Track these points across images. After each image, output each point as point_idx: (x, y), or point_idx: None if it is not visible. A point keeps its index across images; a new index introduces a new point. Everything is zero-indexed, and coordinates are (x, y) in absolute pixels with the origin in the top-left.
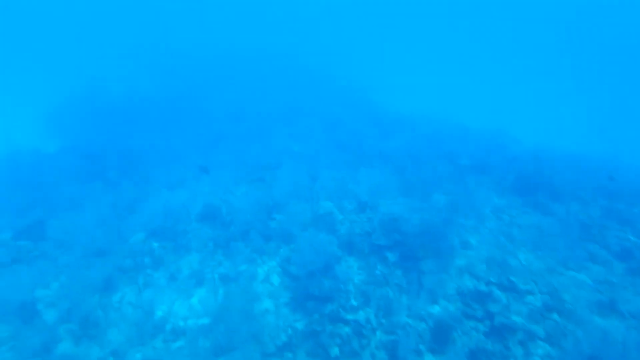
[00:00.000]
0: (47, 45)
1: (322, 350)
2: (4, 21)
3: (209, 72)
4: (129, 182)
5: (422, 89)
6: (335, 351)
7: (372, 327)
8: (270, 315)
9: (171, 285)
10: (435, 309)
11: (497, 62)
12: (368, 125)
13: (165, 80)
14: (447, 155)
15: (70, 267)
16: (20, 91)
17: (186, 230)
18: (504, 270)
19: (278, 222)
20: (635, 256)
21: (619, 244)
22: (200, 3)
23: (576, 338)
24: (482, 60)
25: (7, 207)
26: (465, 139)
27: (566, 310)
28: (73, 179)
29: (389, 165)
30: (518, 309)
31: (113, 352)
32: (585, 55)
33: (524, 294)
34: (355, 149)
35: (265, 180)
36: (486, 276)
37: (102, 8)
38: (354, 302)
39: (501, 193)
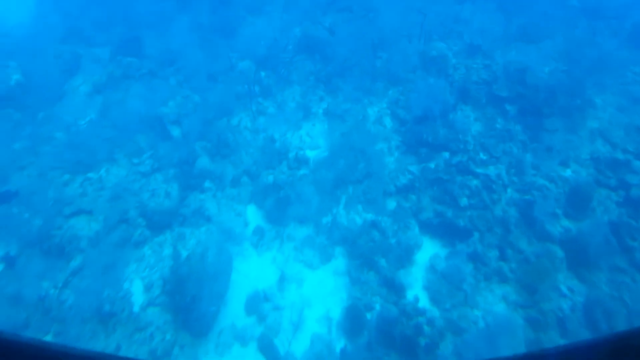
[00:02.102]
0: None
1: (450, 198)
2: None
3: None
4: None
5: None
6: (464, 201)
7: (503, 183)
8: (385, 156)
9: (280, 116)
10: (567, 173)
11: None
12: None
13: None
14: None
15: (184, 88)
16: None
17: (285, 61)
18: None
19: (384, 61)
20: None
21: None
22: None
23: None
24: None
25: (87, 20)
26: None
27: None
28: None
29: (490, 2)
30: None
31: (246, 172)
32: None
33: None
34: None
35: (353, 10)
36: (623, 143)
37: None
38: (482, 156)
39: (620, 43)
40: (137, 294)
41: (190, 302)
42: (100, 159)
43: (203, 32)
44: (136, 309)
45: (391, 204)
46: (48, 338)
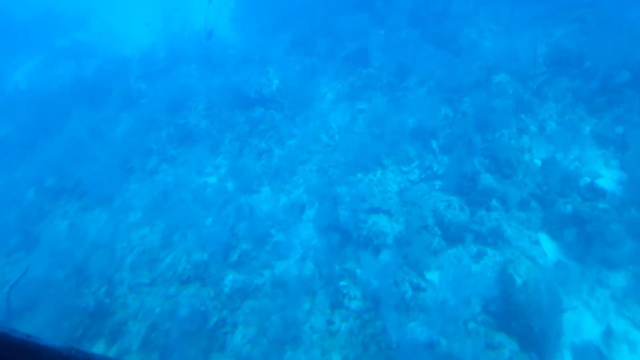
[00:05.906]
0: None
1: None
2: None
3: None
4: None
5: None
6: None
7: None
8: None
9: (542, 135)
10: None
11: None
12: None
13: None
14: None
15: (433, 99)
16: None
17: (538, 76)
18: None
19: None
20: None
21: None
22: None
23: None
24: None
25: (287, 34)
26: None
27: None
28: (336, 7)
29: None
30: None
31: (533, 195)
32: None
33: None
34: None
35: (586, 21)
36: None
37: None
38: None
39: None
40: None
41: (538, 336)
42: (369, 163)
43: (421, 44)
44: (462, 321)
45: None
46: (412, 324)
